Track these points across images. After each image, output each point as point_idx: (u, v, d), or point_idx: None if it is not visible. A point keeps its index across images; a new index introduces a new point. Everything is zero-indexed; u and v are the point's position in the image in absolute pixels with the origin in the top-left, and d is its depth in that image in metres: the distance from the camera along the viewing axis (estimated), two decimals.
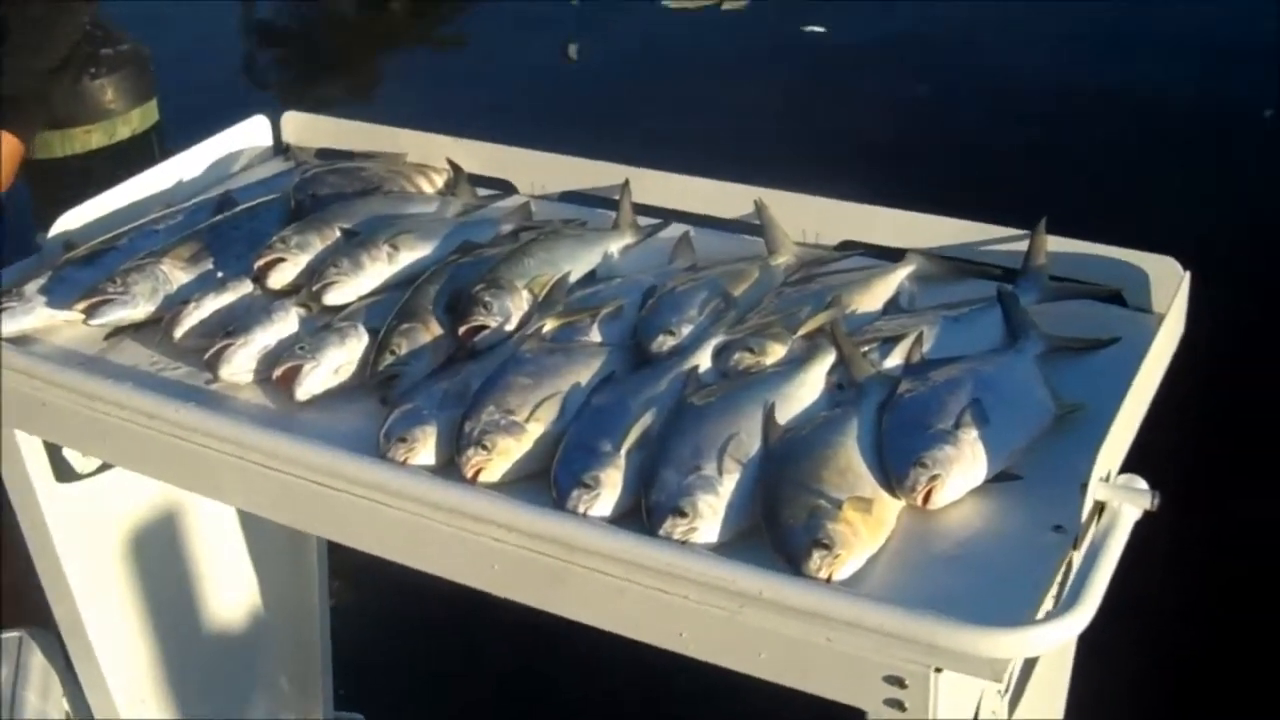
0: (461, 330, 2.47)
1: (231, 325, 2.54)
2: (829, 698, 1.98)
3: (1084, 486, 2.04)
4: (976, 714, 2.09)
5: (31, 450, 2.78)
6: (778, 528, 2.03)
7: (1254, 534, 4.96)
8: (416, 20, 12.32)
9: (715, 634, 2.00)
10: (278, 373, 2.45)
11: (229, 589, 3.53)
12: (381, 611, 3.84)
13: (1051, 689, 2.57)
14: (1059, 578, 1.98)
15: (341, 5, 12.63)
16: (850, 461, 2.12)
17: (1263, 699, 4.36)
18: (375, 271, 2.64)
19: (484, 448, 2.20)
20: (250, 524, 3.49)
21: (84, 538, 2.98)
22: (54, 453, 2.83)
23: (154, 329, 2.67)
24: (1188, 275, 2.50)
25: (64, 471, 2.86)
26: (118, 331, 2.68)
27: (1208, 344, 2.66)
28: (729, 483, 2.10)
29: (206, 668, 3.51)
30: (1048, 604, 1.94)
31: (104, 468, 2.93)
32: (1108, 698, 3.01)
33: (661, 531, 2.05)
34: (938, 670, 1.87)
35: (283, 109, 3.37)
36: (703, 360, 2.37)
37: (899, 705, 1.91)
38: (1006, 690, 2.16)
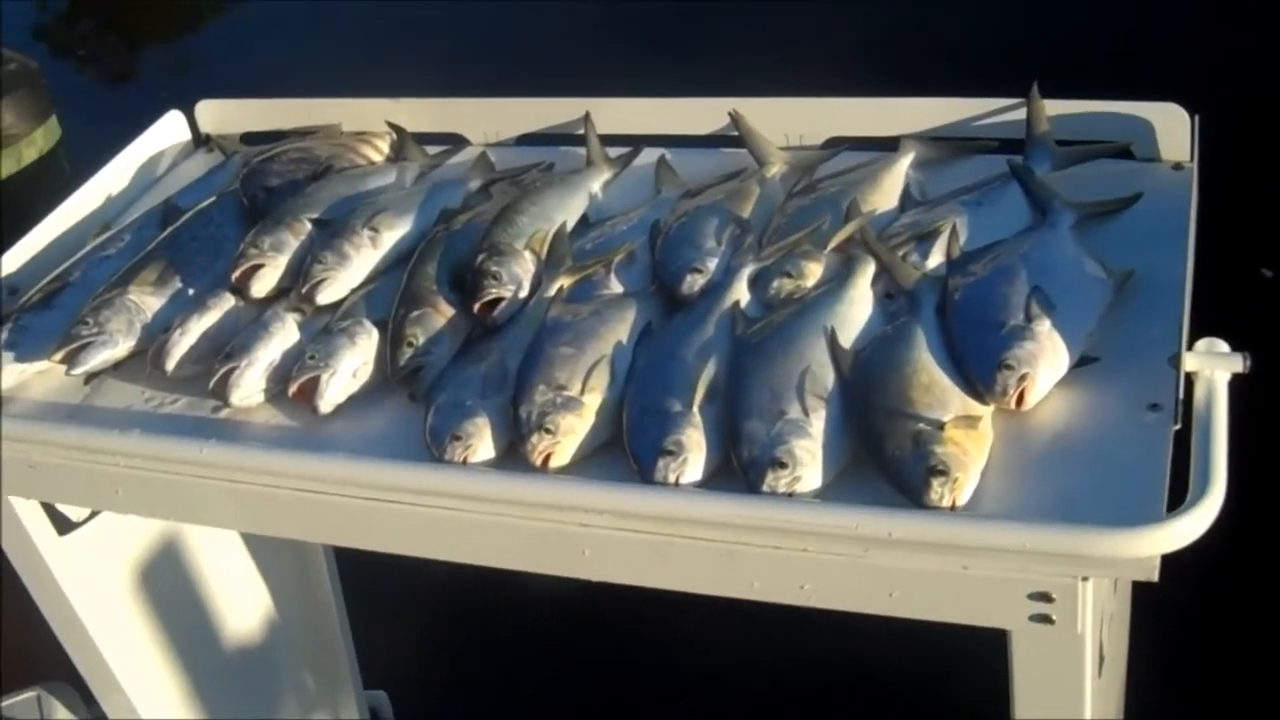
0: (477, 307, 2.35)
1: (228, 346, 2.39)
2: (969, 624, 1.92)
3: (1174, 359, 2.00)
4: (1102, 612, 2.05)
5: (28, 511, 2.63)
6: (886, 461, 1.96)
7: None
8: None
9: (841, 581, 1.94)
10: (293, 388, 2.31)
11: (242, 602, 3.42)
12: (397, 589, 3.73)
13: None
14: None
15: None
16: (932, 376, 2.05)
17: None
18: (361, 260, 2.51)
19: (548, 431, 2.10)
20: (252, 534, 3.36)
21: (92, 582, 2.85)
22: (49, 507, 2.67)
23: (135, 362, 2.51)
24: (1196, 119, 2.45)
25: (62, 524, 2.70)
26: (97, 373, 2.52)
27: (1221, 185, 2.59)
28: (818, 423, 2.02)
29: (234, 682, 3.41)
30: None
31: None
32: None
33: (765, 487, 1.97)
34: (1084, 579, 1.82)
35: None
36: (740, 294, 2.28)
37: (1046, 619, 1.86)
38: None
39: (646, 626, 3.30)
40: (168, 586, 3.12)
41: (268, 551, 3.46)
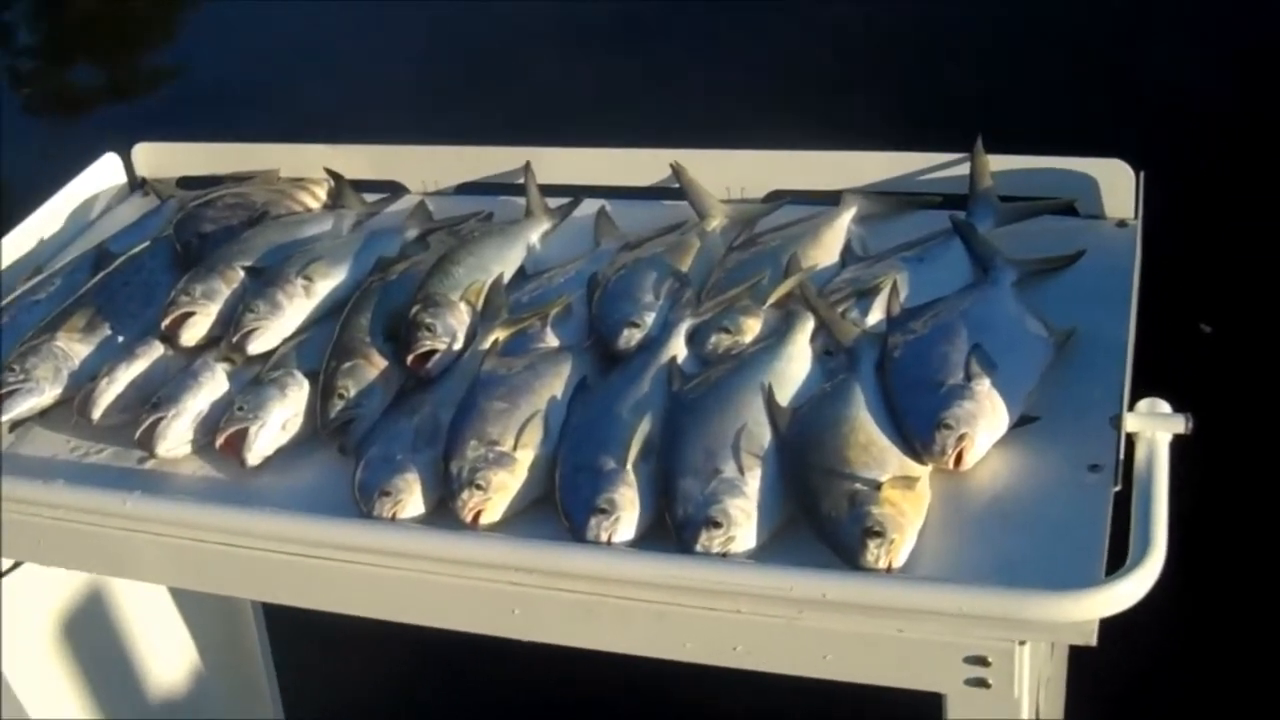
0: (410, 359, 2.31)
1: (155, 396, 2.34)
2: (903, 687, 1.89)
3: (1116, 420, 1.98)
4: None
5: None
6: (822, 521, 1.93)
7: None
8: None
9: (774, 643, 1.90)
10: (220, 440, 2.27)
11: (167, 654, 3.36)
12: (325, 643, 3.67)
13: None
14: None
15: None
16: (869, 435, 2.02)
17: None
18: (294, 309, 2.47)
19: (479, 487, 2.06)
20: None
21: (13, 633, 2.77)
22: None
23: (61, 410, 2.46)
24: (1141, 175, 2.43)
25: None
26: (22, 421, 2.46)
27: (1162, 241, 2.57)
28: (753, 482, 1.99)
29: None
30: None
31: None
32: None
33: (699, 546, 1.93)
34: (1021, 643, 1.79)
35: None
36: (678, 349, 2.25)
37: (983, 683, 1.83)
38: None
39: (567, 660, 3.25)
40: (91, 638, 3.05)
41: (194, 603, 3.40)
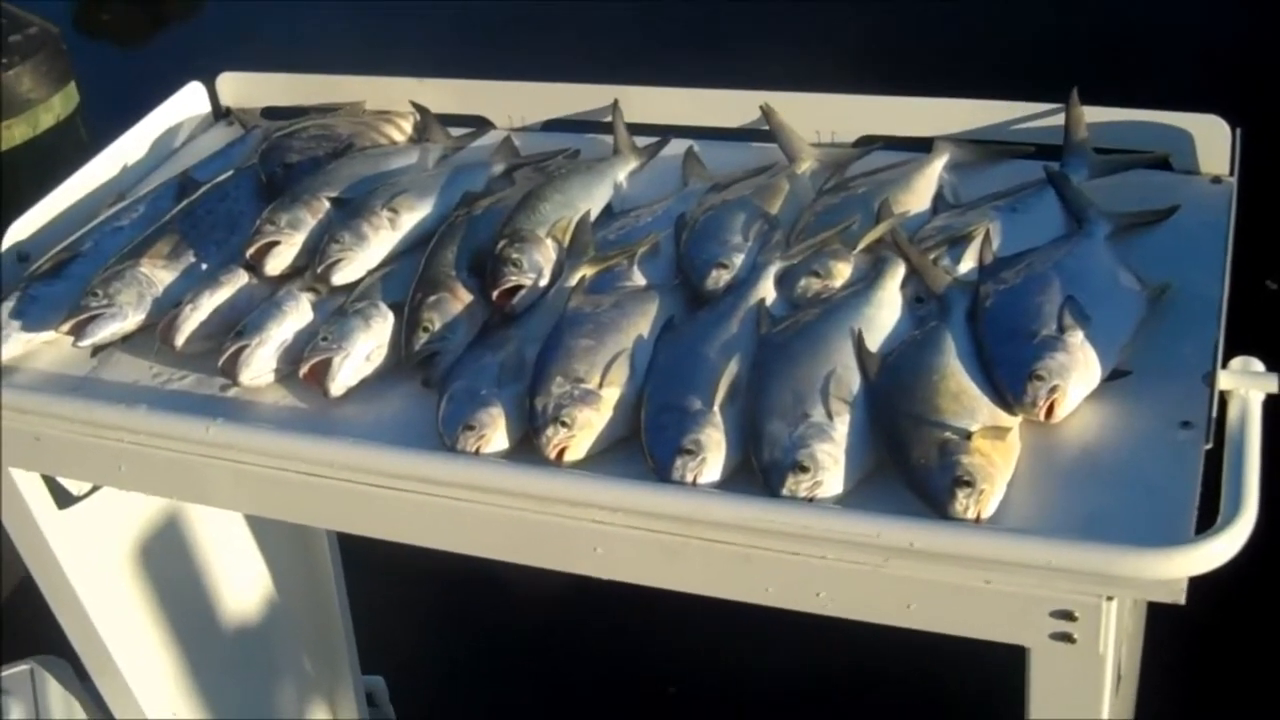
0: (495, 294, 2.30)
1: (240, 324, 2.34)
2: (987, 639, 1.87)
3: (1208, 377, 1.95)
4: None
5: (29, 483, 2.58)
6: (911, 469, 1.91)
7: None
8: None
9: (858, 590, 1.89)
10: (304, 370, 2.26)
11: (242, 582, 3.38)
12: (397, 575, 3.69)
13: None
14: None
15: None
16: (960, 384, 2.00)
17: None
18: (380, 241, 2.45)
19: (564, 424, 2.05)
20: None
21: (90, 558, 2.80)
22: (50, 480, 2.62)
23: (144, 336, 2.46)
24: (1238, 132, 2.39)
25: (63, 498, 2.65)
26: (105, 345, 2.47)
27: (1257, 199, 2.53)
28: (841, 427, 1.97)
29: (230, 663, 3.37)
30: None
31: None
32: None
33: (785, 490, 1.91)
34: (1108, 599, 1.77)
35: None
36: (766, 291, 2.23)
37: (1068, 638, 1.81)
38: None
39: (653, 617, 3.24)
40: (167, 564, 3.07)
41: (270, 533, 3.42)
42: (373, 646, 3.98)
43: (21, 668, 3.01)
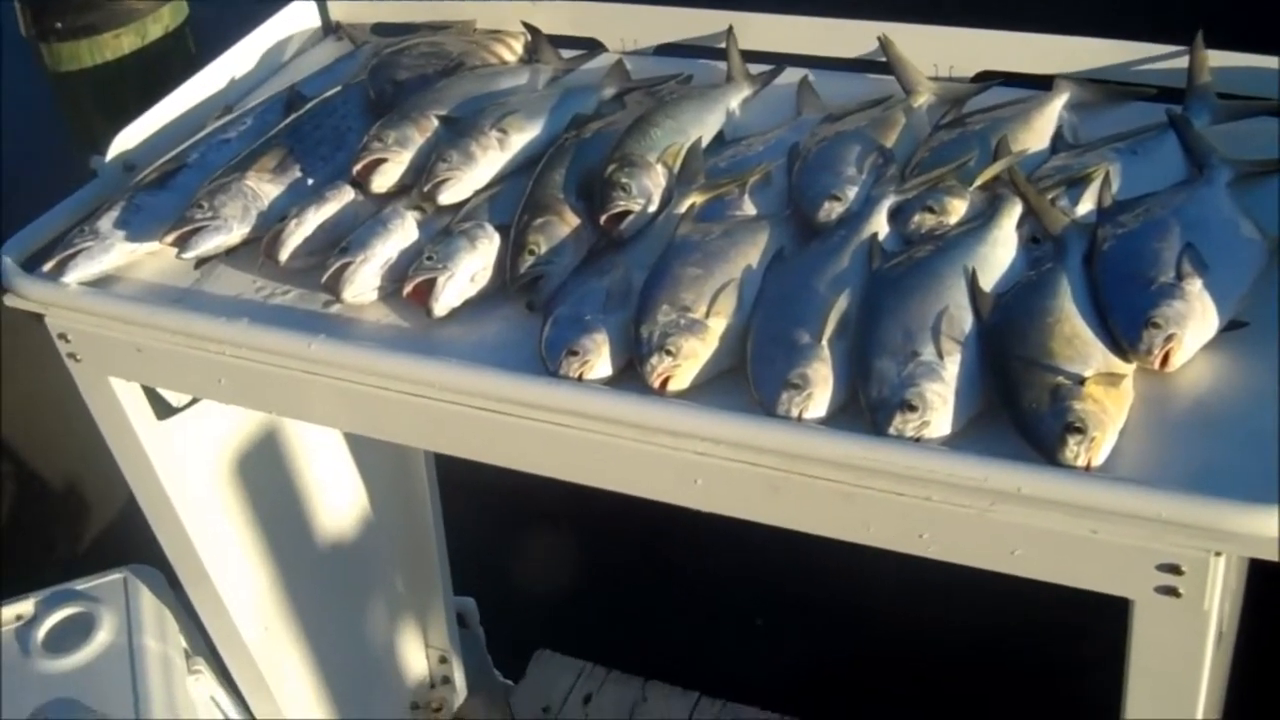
0: (604, 219, 2.28)
1: (344, 240, 2.33)
2: (1091, 589, 1.84)
3: None
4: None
5: (128, 394, 2.58)
6: (1021, 413, 1.87)
7: None
8: None
9: (962, 534, 1.86)
10: (408, 289, 2.25)
11: (337, 499, 3.39)
12: (494, 498, 3.70)
13: None
14: None
15: None
16: (1075, 328, 1.96)
17: None
18: (488, 161, 2.43)
19: (668, 353, 2.03)
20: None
21: (187, 469, 2.81)
22: (150, 391, 2.62)
23: (247, 250, 2.45)
24: None
25: (162, 408, 2.66)
26: (209, 258, 2.46)
27: None
28: (951, 367, 1.93)
29: (323, 579, 3.40)
30: None
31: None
32: None
33: (891, 429, 1.88)
34: (1217, 554, 1.73)
35: None
36: (879, 226, 2.19)
37: (1173, 592, 1.77)
38: None
39: (743, 551, 3.23)
40: (263, 479, 3.09)
41: (368, 452, 3.43)
42: (465, 568, 3.99)
43: (115, 576, 3.02)
